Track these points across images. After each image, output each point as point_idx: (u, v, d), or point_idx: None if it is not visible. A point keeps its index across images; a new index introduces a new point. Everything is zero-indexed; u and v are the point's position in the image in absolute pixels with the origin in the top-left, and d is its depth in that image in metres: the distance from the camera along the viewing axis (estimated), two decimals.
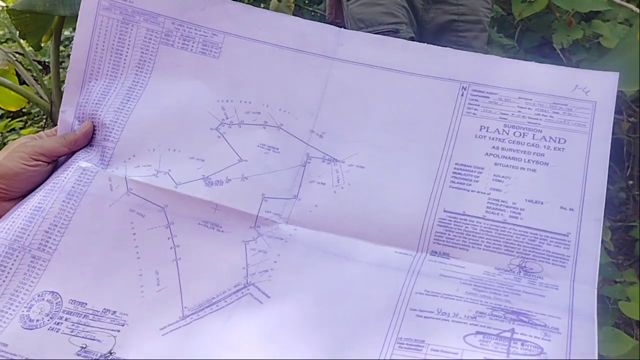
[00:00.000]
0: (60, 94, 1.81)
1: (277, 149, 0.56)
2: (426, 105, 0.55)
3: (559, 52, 1.80)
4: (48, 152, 0.55)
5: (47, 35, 1.81)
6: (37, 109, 2.54)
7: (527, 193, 0.50)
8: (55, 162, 0.57)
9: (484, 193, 0.51)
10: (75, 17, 0.63)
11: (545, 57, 1.86)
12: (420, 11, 1.32)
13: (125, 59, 0.59)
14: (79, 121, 0.58)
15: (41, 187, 0.54)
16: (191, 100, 0.58)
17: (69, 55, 3.18)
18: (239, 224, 0.52)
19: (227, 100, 0.58)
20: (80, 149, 0.57)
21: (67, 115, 0.59)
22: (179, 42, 0.59)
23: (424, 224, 0.51)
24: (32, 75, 1.99)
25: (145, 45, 0.59)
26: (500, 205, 0.50)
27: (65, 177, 0.54)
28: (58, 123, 0.59)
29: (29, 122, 2.56)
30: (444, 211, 0.51)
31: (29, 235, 0.51)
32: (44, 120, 2.37)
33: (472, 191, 0.51)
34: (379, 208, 0.52)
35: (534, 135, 0.52)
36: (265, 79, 0.58)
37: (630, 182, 1.77)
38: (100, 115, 0.57)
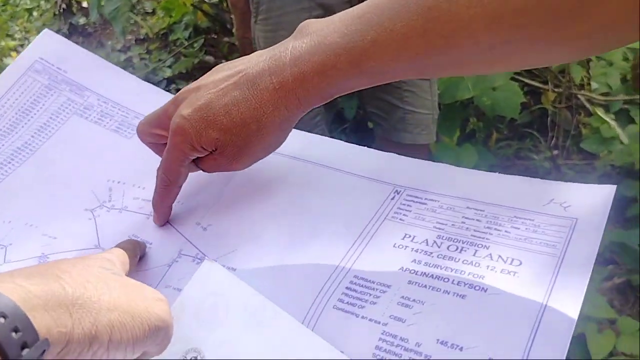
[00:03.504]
0: None
1: (151, 243, 0.44)
2: (343, 203, 0.42)
3: None
4: None
5: None
6: None
7: (442, 330, 0.32)
8: None
9: (379, 322, 0.34)
10: None
11: None
12: None
13: (28, 121, 0.53)
14: None
15: None
16: (79, 174, 0.51)
17: None
18: None
19: (119, 182, 0.49)
20: None
21: None
22: (95, 117, 0.54)
23: None
24: None
25: (57, 112, 0.54)
26: (397, 345, 0.32)
27: None
28: None
29: None
30: None
31: None
32: None
33: (362, 317, 0.34)
34: None
35: (476, 251, 0.36)
36: None
37: (555, 152, 1.69)
38: None
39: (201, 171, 0.43)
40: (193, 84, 0.40)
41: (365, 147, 0.46)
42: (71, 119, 0.53)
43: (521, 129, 1.76)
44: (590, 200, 0.37)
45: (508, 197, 0.39)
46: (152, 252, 0.43)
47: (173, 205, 0.45)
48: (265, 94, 0.37)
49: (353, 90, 0.38)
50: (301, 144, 0.47)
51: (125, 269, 0.36)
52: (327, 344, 0.33)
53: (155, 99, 0.53)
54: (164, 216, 0.44)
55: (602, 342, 1.13)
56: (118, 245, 0.39)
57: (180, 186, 0.43)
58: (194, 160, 0.41)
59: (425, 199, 0.40)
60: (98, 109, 0.54)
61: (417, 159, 0.44)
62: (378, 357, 0.32)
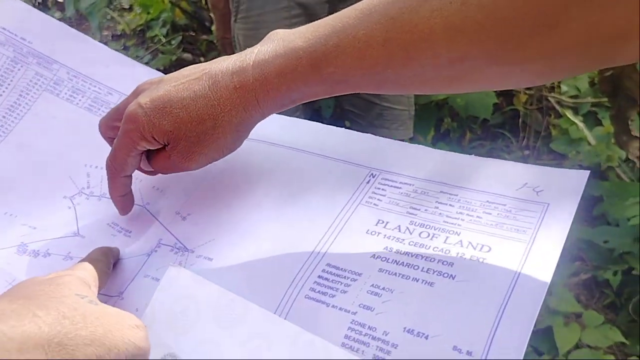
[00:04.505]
0: None
1: (130, 232, 0.43)
2: (318, 189, 0.42)
3: None
4: None
5: None
6: None
7: (409, 318, 0.33)
8: None
9: (348, 311, 0.34)
10: None
11: None
12: None
13: None
14: None
15: None
16: (55, 159, 0.49)
17: None
18: None
19: (97, 167, 0.48)
20: None
21: None
22: (66, 93, 0.52)
23: None
24: None
25: (27, 89, 0.52)
26: (365, 334, 0.33)
27: None
28: None
29: None
30: None
31: None
32: None
33: (332, 307, 0.35)
34: None
35: (447, 238, 0.37)
36: None
37: (526, 152, 1.75)
38: None
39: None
40: (156, 77, 0.40)
41: (342, 128, 0.46)
42: (42, 96, 0.52)
43: (494, 130, 1.80)
44: (563, 184, 0.38)
45: (482, 181, 0.40)
46: (131, 241, 0.43)
47: (154, 193, 0.45)
48: (225, 92, 0.36)
49: (314, 99, 0.38)
50: (278, 127, 0.47)
51: (98, 284, 0.35)
52: (300, 329, 0.33)
53: (126, 70, 0.53)
54: (122, 206, 0.42)
55: (569, 334, 1.18)
56: (89, 256, 0.38)
57: (129, 177, 0.41)
58: (147, 160, 0.40)
59: (400, 182, 0.41)
60: (69, 84, 0.52)
61: (393, 140, 0.44)
62: (347, 347, 0.32)
